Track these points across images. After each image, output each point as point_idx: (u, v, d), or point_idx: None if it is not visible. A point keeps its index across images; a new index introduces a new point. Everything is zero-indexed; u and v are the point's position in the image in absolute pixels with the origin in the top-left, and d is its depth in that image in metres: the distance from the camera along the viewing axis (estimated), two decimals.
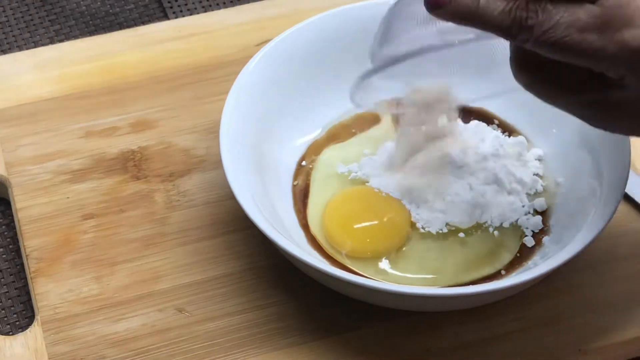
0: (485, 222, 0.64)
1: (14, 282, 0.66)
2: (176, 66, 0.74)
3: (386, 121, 0.69)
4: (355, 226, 0.64)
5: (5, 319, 0.64)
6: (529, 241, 0.63)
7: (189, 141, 0.70)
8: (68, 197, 0.67)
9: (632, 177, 0.64)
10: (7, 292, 0.65)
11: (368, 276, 0.61)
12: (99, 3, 0.81)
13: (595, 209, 0.60)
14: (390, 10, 0.56)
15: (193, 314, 0.62)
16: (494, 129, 0.68)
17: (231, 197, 0.60)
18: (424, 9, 0.50)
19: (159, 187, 0.68)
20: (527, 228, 0.64)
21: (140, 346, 0.61)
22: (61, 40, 0.78)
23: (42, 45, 0.78)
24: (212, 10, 0.80)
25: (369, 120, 0.70)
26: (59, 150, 0.69)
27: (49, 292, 0.63)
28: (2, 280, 0.66)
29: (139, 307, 0.62)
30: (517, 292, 0.61)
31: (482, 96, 0.63)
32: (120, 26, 0.80)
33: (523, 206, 0.64)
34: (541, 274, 0.57)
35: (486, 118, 0.69)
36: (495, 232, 0.63)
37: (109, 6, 0.81)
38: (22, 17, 0.80)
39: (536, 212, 0.65)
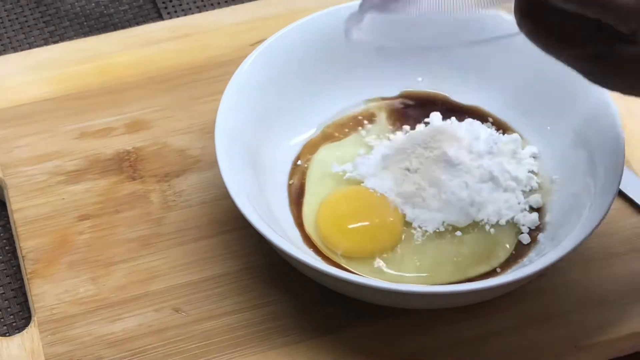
0: (482, 220, 0.64)
1: (10, 283, 0.66)
2: (171, 66, 0.74)
3: (381, 120, 0.70)
4: (349, 226, 0.64)
5: (2, 320, 0.64)
6: (525, 238, 0.64)
7: (184, 141, 0.70)
8: (64, 198, 0.67)
9: (626, 174, 0.65)
10: (3, 293, 0.65)
11: (364, 275, 0.61)
12: (93, 4, 0.81)
13: (590, 206, 0.60)
14: None
15: (190, 313, 0.62)
16: (489, 127, 0.69)
17: (227, 196, 0.60)
18: None
19: (154, 188, 0.68)
20: (523, 225, 0.64)
21: (137, 346, 0.61)
22: (56, 42, 0.79)
23: (37, 46, 0.78)
24: (207, 10, 0.80)
25: (364, 119, 0.70)
26: (55, 151, 0.69)
27: (46, 293, 0.63)
28: None
29: (135, 307, 0.62)
30: (513, 289, 0.61)
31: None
32: (115, 27, 0.80)
33: (519, 203, 0.65)
34: (536, 271, 0.57)
35: (480, 116, 0.69)
36: (492, 230, 0.64)
37: (103, 7, 0.81)
38: (17, 18, 0.80)
39: (532, 209, 0.65)
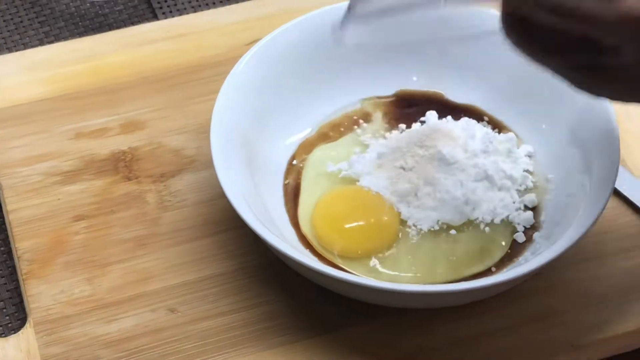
0: (477, 218, 0.64)
1: (5, 284, 0.66)
2: (166, 66, 0.74)
3: (376, 119, 0.70)
4: (345, 226, 0.64)
5: None
6: (520, 237, 0.64)
7: (179, 141, 0.70)
8: (59, 199, 0.67)
9: (621, 173, 0.65)
10: None
11: (360, 275, 0.61)
12: (88, 4, 0.81)
13: (585, 205, 0.60)
14: None
15: (185, 313, 0.62)
16: (484, 126, 0.69)
17: (222, 196, 0.60)
18: None
19: (150, 188, 0.68)
20: (518, 224, 0.64)
21: (133, 346, 0.61)
22: (51, 42, 0.78)
23: (32, 46, 0.78)
24: (202, 10, 0.80)
25: (360, 118, 0.70)
26: (50, 151, 0.69)
27: (41, 293, 0.63)
28: None
29: (131, 307, 0.62)
30: (509, 288, 0.61)
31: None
32: (110, 27, 0.80)
33: (514, 202, 0.65)
34: (532, 270, 0.57)
35: (476, 115, 0.69)
36: (487, 229, 0.64)
37: (98, 7, 0.81)
38: (12, 18, 0.80)
39: (527, 208, 0.65)
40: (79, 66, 0.74)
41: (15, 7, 0.81)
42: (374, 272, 0.62)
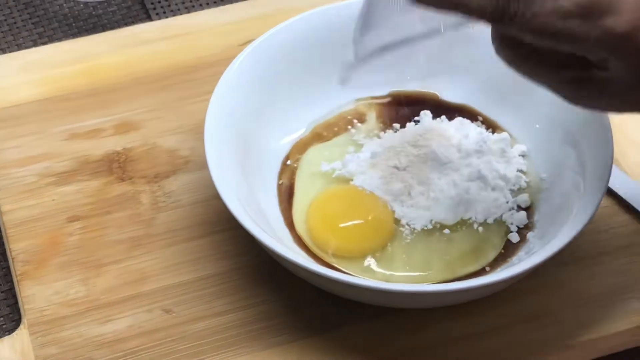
0: (470, 218, 0.64)
1: (0, 285, 0.66)
2: (160, 67, 0.74)
3: (371, 119, 0.70)
4: (340, 225, 0.64)
5: None
6: (514, 237, 0.64)
7: (173, 142, 0.70)
8: (53, 200, 0.67)
9: (615, 172, 0.65)
10: None
11: (354, 274, 0.61)
12: (82, 5, 0.81)
13: (579, 204, 0.61)
14: None
15: (181, 314, 0.62)
16: (479, 126, 0.69)
17: (217, 197, 0.60)
18: None
19: (144, 189, 0.68)
20: (512, 224, 0.64)
21: (128, 347, 0.61)
22: (44, 43, 0.78)
23: (26, 47, 0.78)
24: (195, 11, 0.80)
25: (354, 119, 0.70)
26: (44, 152, 0.69)
27: (36, 294, 0.63)
28: None
29: (126, 308, 0.62)
30: (503, 288, 0.61)
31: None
32: (104, 28, 0.80)
33: (507, 202, 0.65)
34: (526, 270, 0.58)
35: (470, 115, 0.69)
36: (480, 228, 0.64)
37: (91, 8, 0.81)
38: (5, 19, 0.80)
39: (520, 208, 0.65)
40: (72, 67, 0.74)
41: (9, 8, 0.81)
42: (368, 271, 0.62)
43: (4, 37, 0.79)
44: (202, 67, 0.73)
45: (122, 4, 0.81)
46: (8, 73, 0.74)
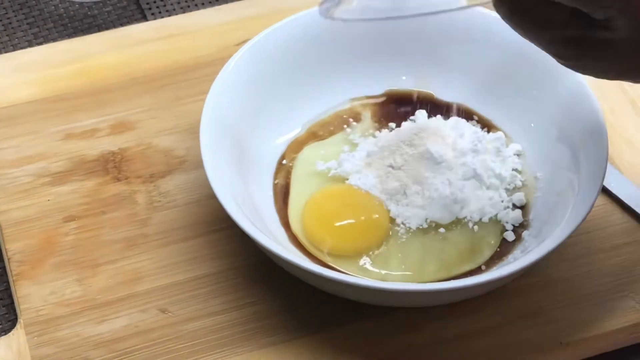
0: (465, 217, 0.64)
1: None
2: (155, 67, 0.74)
3: (366, 119, 0.70)
4: (335, 224, 0.64)
5: None
6: (510, 235, 0.64)
7: (169, 142, 0.70)
8: (49, 200, 0.67)
9: (610, 171, 0.65)
10: None
11: (350, 273, 0.62)
12: (77, 5, 0.81)
13: (574, 203, 0.61)
14: None
15: (176, 314, 0.62)
16: (474, 125, 0.69)
17: (212, 196, 0.61)
18: None
19: (140, 188, 0.68)
20: (507, 222, 0.64)
21: (124, 347, 0.61)
22: (40, 43, 0.78)
23: (21, 48, 0.78)
24: (191, 10, 0.80)
25: (349, 118, 0.70)
26: (40, 152, 0.69)
27: (32, 294, 0.63)
28: None
29: (122, 308, 0.62)
30: (498, 287, 0.61)
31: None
32: (99, 28, 0.80)
33: (502, 201, 0.65)
34: (521, 268, 0.58)
35: (466, 114, 0.69)
36: (475, 227, 0.64)
37: (87, 8, 0.81)
38: (0, 20, 0.80)
39: (515, 207, 0.65)
40: (68, 67, 0.74)
41: (4, 8, 0.81)
42: (364, 270, 0.62)
43: None
44: (198, 67, 0.73)
45: (118, 4, 0.81)
46: (3, 73, 0.74)
